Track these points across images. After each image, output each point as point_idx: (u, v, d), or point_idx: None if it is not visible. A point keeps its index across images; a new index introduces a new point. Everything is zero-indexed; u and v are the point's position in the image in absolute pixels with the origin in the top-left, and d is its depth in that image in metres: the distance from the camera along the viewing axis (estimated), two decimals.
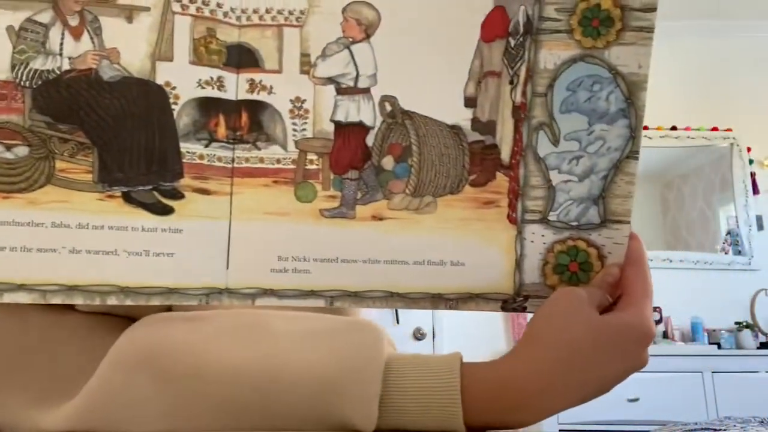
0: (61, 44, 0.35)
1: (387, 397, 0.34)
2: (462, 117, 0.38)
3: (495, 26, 0.38)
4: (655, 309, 2.79)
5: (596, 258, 0.39)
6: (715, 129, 3.02)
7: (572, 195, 0.39)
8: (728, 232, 2.95)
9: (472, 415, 0.34)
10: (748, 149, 2.98)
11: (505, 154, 0.39)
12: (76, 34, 0.35)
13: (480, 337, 2.43)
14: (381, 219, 0.38)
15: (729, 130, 3.00)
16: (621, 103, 0.38)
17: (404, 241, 0.38)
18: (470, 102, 0.38)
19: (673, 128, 3.02)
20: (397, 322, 2.59)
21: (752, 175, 2.96)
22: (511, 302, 0.39)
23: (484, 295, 0.39)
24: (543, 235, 0.39)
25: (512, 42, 0.38)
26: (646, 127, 2.99)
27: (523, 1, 0.38)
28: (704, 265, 2.91)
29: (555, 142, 0.38)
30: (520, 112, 0.38)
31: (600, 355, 0.34)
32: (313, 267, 0.37)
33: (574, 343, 0.34)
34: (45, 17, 0.35)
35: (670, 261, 2.92)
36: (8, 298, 0.34)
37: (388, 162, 0.38)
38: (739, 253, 2.90)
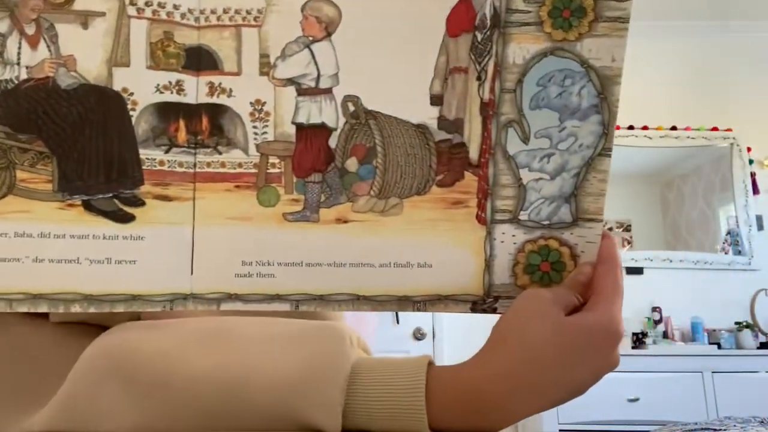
0: (19, 53, 0.33)
1: (352, 401, 0.32)
2: (428, 115, 0.35)
3: (461, 20, 0.35)
4: (654, 309, 2.74)
5: (569, 257, 0.36)
6: (715, 129, 2.93)
7: (543, 193, 0.36)
8: (728, 232, 2.88)
9: (439, 419, 0.32)
10: (748, 149, 2.90)
11: (474, 153, 0.36)
12: (33, 43, 0.33)
13: (480, 337, 2.38)
14: (345, 222, 0.35)
15: (729, 130, 2.91)
16: (593, 98, 0.34)
17: (369, 243, 0.35)
18: (436, 100, 0.35)
19: (673, 128, 2.94)
20: (397, 322, 2.57)
21: (752, 175, 2.87)
22: (481, 303, 0.36)
23: (452, 296, 0.36)
24: (513, 235, 0.36)
25: (479, 36, 0.35)
26: (645, 127, 2.93)
27: None
28: (704, 265, 2.83)
29: (525, 139, 0.36)
30: (488, 109, 0.36)
31: (566, 356, 0.32)
32: (278, 271, 0.35)
33: (538, 345, 0.32)
34: (2, 27, 0.33)
35: (670, 261, 2.85)
36: None
37: (352, 164, 0.36)
38: (739, 253, 2.82)
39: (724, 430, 0.78)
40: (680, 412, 2.13)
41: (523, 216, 0.36)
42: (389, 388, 0.32)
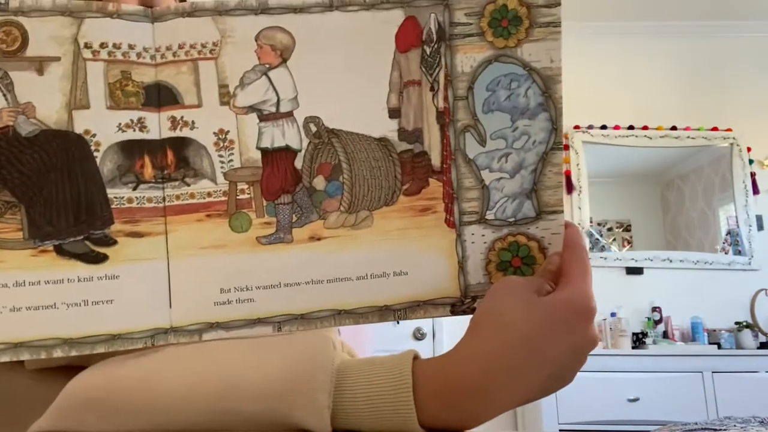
0: None
1: (340, 402, 0.35)
2: (388, 129, 0.40)
3: (408, 36, 0.41)
4: (654, 309, 2.87)
5: (538, 250, 0.41)
6: (715, 129, 3.13)
7: (506, 192, 0.41)
8: (728, 232, 3.05)
9: (428, 414, 0.35)
10: (748, 149, 3.09)
11: (436, 160, 0.41)
12: None
13: None
14: (319, 239, 0.40)
15: (729, 130, 3.11)
16: (539, 97, 0.40)
17: (345, 258, 0.40)
18: (394, 113, 0.41)
19: (673, 128, 3.13)
20: (397, 323, 2.67)
21: (752, 175, 3.07)
22: (460, 305, 0.41)
23: (431, 301, 0.41)
24: (483, 235, 0.41)
25: (427, 50, 0.41)
26: (645, 127, 3.11)
27: (433, 9, 0.40)
28: (704, 265, 2.99)
29: (482, 142, 0.41)
30: (444, 117, 0.41)
31: (540, 333, 0.35)
32: (257, 295, 0.39)
33: (512, 325, 0.35)
34: None
35: (670, 261, 3.00)
36: None
37: (319, 182, 0.40)
38: (739, 253, 3.00)
39: (724, 430, 0.84)
40: (680, 412, 2.23)
41: (489, 215, 0.41)
42: (376, 388, 0.35)
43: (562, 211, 0.41)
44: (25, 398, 0.40)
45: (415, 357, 0.37)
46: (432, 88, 0.41)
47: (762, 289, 2.91)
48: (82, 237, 0.37)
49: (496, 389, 0.35)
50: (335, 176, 0.40)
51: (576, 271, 0.37)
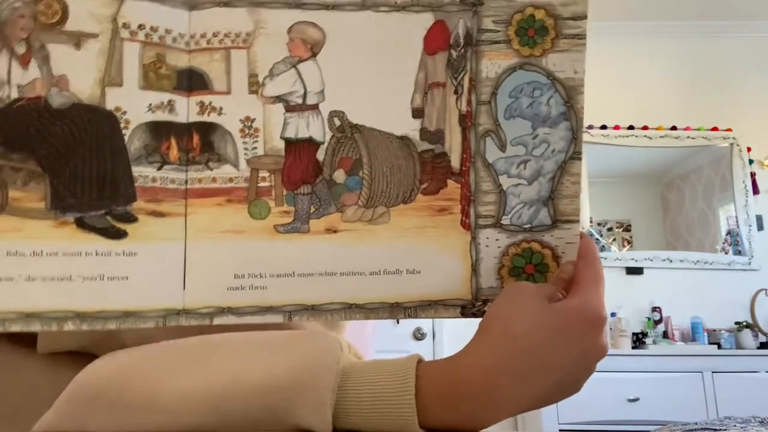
0: (9, 72, 0.39)
1: (343, 402, 0.36)
2: (410, 128, 0.43)
3: (436, 39, 0.43)
4: (654, 309, 2.93)
5: (551, 259, 0.43)
6: (715, 129, 3.21)
7: (523, 198, 0.43)
8: (728, 232, 3.13)
9: (430, 415, 0.36)
10: (748, 149, 3.18)
11: (455, 162, 0.43)
12: (24, 62, 0.39)
13: None
14: (335, 232, 0.42)
15: (729, 130, 3.20)
16: (561, 107, 0.43)
17: (359, 252, 0.42)
18: (418, 113, 0.43)
19: (673, 128, 3.21)
20: (397, 322, 2.75)
21: (752, 175, 3.15)
22: (470, 307, 0.43)
23: (442, 301, 0.43)
24: (497, 239, 0.43)
25: (454, 54, 0.43)
26: (645, 127, 3.19)
27: (462, 15, 0.43)
28: (704, 265, 3.06)
29: (502, 147, 0.43)
30: (466, 120, 0.43)
31: (549, 339, 0.36)
32: (270, 283, 0.41)
33: (521, 330, 0.37)
34: None
35: (670, 261, 3.07)
36: None
37: (339, 175, 0.42)
38: (739, 253, 3.07)
39: (724, 430, 0.86)
40: (680, 412, 2.28)
41: (505, 220, 0.43)
42: (379, 389, 0.37)
43: (578, 221, 0.43)
44: (37, 385, 0.42)
45: (420, 360, 0.39)
46: (456, 91, 0.43)
47: (762, 289, 2.98)
48: (103, 211, 0.40)
49: (501, 394, 0.36)
50: (355, 171, 0.42)
51: (588, 279, 0.39)
